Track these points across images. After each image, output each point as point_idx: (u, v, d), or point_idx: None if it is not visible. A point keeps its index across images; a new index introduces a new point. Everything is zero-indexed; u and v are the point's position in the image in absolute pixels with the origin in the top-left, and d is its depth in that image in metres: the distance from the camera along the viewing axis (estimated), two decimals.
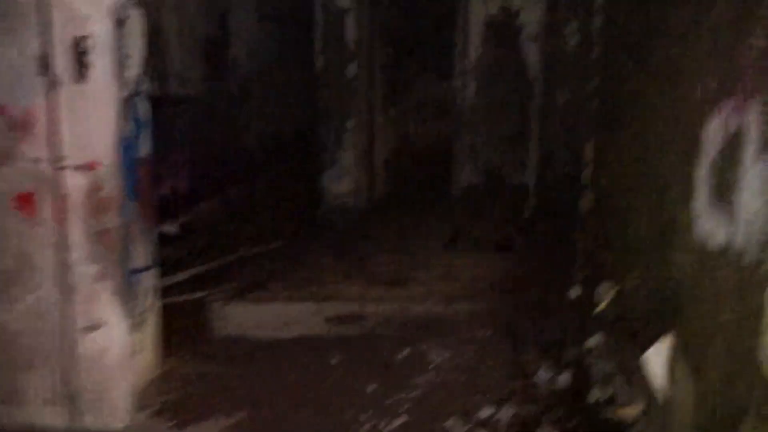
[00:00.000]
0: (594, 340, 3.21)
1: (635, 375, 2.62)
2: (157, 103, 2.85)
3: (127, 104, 2.44)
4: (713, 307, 1.89)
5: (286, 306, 3.12)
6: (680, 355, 2.16)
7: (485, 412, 2.49)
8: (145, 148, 2.60)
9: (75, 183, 2.35)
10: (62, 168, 2.34)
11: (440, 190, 6.63)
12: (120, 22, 2.37)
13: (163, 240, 3.29)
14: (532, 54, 5.74)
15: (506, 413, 2.52)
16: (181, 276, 3.72)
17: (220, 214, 4.93)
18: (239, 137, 7.06)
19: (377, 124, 6.60)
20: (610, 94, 3.13)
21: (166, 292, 3.09)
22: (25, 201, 2.38)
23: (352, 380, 2.66)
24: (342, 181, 6.30)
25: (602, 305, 2.93)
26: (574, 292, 3.48)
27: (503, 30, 5.86)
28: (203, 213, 4.81)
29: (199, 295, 3.43)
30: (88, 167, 2.34)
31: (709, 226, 1.95)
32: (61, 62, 2.30)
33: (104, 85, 2.33)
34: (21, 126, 2.34)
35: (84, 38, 2.27)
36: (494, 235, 4.91)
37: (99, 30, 2.29)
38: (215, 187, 5.36)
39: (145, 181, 2.59)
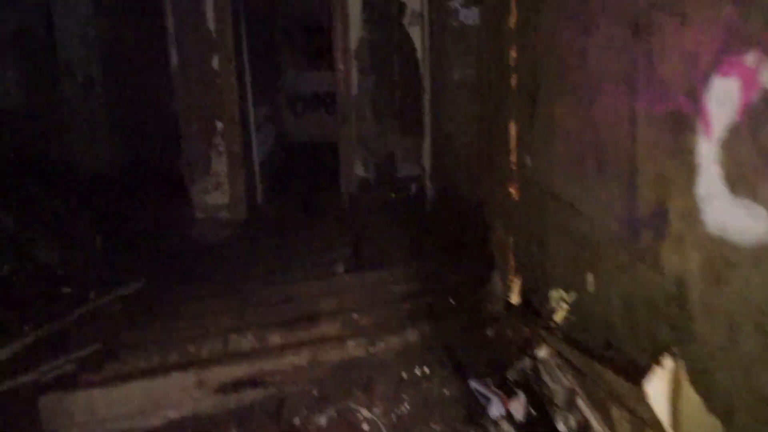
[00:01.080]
0: (542, 353, 2.74)
1: (604, 397, 2.16)
2: None
3: None
4: (746, 323, 1.43)
5: (153, 381, 2.24)
6: (690, 383, 1.70)
7: None
8: None
9: None
10: None
11: (330, 191, 5.94)
12: None
13: None
14: (417, 33, 5.24)
15: None
16: None
17: (53, 256, 3.79)
18: (80, 153, 5.82)
19: (251, 123, 5.73)
20: (533, 67, 2.65)
21: None
22: None
23: None
24: (216, 192, 5.37)
25: (559, 315, 2.45)
26: (514, 299, 2.99)
27: (384, 9, 5.29)
28: (33, 256, 3.67)
29: (24, 379, 2.42)
30: None
31: (728, 217, 1.48)
32: None
33: None
34: None
35: None
36: (401, 241, 4.33)
37: None
38: (47, 219, 4.18)
39: None
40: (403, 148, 5.78)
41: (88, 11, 5.82)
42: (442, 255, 3.87)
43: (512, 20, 2.80)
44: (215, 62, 5.33)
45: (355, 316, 2.76)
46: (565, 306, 2.43)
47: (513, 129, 2.93)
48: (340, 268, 3.68)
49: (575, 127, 2.32)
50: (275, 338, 2.57)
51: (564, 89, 2.38)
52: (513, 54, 2.83)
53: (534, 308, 2.81)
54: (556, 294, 2.49)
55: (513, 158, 2.99)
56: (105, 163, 6.02)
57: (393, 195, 5.69)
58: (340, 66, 5.36)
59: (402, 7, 5.25)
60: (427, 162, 5.47)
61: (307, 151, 7.82)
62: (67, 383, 2.41)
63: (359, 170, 5.89)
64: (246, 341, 2.53)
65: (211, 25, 5.26)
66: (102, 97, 6.08)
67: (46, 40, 5.78)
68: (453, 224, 4.51)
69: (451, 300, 3.00)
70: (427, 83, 5.19)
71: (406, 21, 5.25)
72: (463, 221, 4.25)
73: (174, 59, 5.28)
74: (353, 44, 5.35)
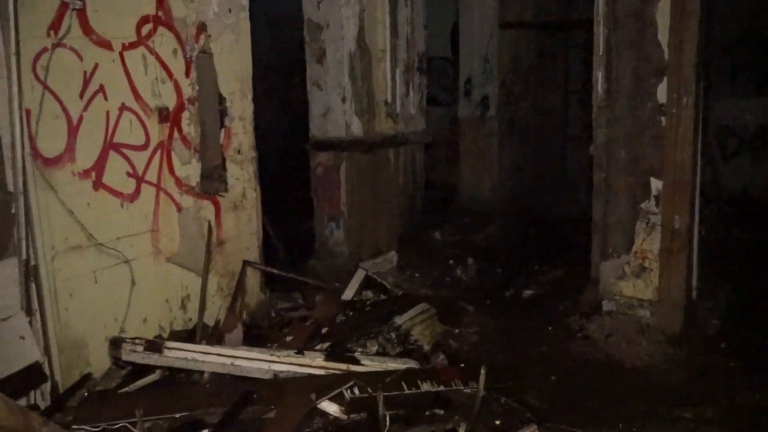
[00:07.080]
0: None
1: None
2: None
3: None
4: None
5: None
6: None
7: None
8: None
9: None
10: None
11: None
12: None
13: None
14: None
15: None
16: None
17: None
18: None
19: (697, 183, 3.87)
20: None
21: None
22: None
23: None
24: (636, 281, 3.74)
25: None
26: None
27: None
28: None
29: None
30: None
31: None
32: None
33: None
34: None
35: None
36: None
37: None
38: None
39: None
40: None
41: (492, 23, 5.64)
42: None
43: None
44: (661, 92, 3.66)
45: None
46: None
47: None
48: None
49: None
50: None
51: None
52: None
53: None
54: None
55: None
56: (489, 197, 5.28)
57: None
58: None
59: None
60: None
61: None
62: None
63: None
64: None
65: (663, 38, 3.60)
66: (494, 120, 5.64)
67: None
68: None
69: None
70: None
71: None
72: None
73: (599, 85, 3.80)
74: None
